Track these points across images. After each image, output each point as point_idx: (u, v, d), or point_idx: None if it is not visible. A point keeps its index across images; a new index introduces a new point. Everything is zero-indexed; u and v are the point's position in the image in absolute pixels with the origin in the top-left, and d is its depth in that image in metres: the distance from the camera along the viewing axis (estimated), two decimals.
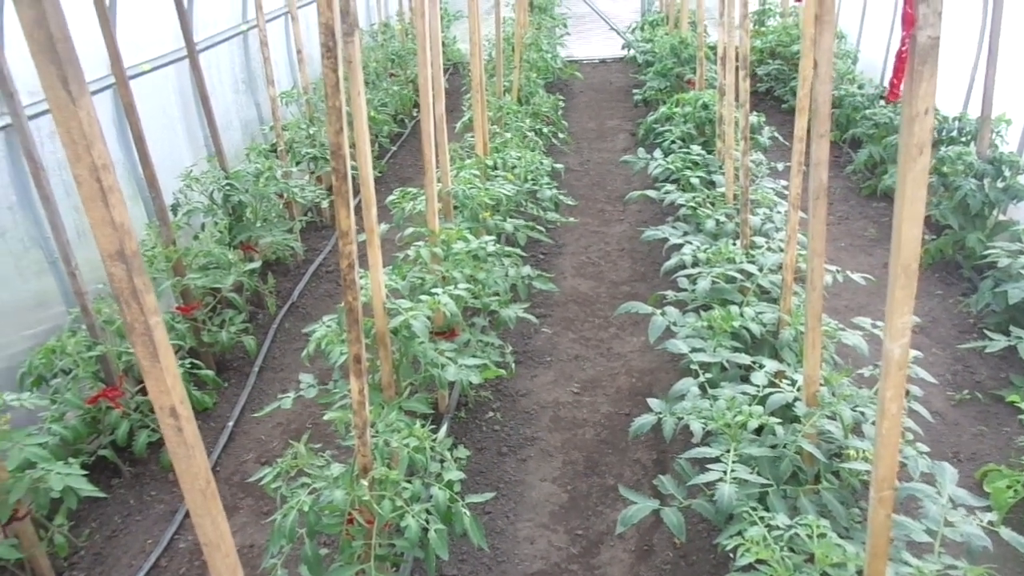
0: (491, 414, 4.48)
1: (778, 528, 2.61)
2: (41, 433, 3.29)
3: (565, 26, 11.72)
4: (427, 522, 2.70)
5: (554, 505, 3.83)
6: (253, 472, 4.02)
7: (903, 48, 1.67)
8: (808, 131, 3.40)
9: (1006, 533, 2.59)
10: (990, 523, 2.64)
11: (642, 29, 11.20)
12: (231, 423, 4.38)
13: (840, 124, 7.67)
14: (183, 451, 1.54)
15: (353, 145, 2.97)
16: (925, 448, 2.95)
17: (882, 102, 7.41)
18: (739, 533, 2.67)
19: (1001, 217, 5.57)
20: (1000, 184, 5.36)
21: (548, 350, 5.13)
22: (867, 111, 7.19)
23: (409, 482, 2.84)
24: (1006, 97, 5.47)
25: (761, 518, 2.66)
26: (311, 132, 6.81)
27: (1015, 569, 3.31)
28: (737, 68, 4.07)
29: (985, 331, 4.55)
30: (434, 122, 4.08)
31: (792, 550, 2.57)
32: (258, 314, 5.56)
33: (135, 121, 4.21)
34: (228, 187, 5.23)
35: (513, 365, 4.40)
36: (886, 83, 8.07)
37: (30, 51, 1.17)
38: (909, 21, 1.60)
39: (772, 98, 9.73)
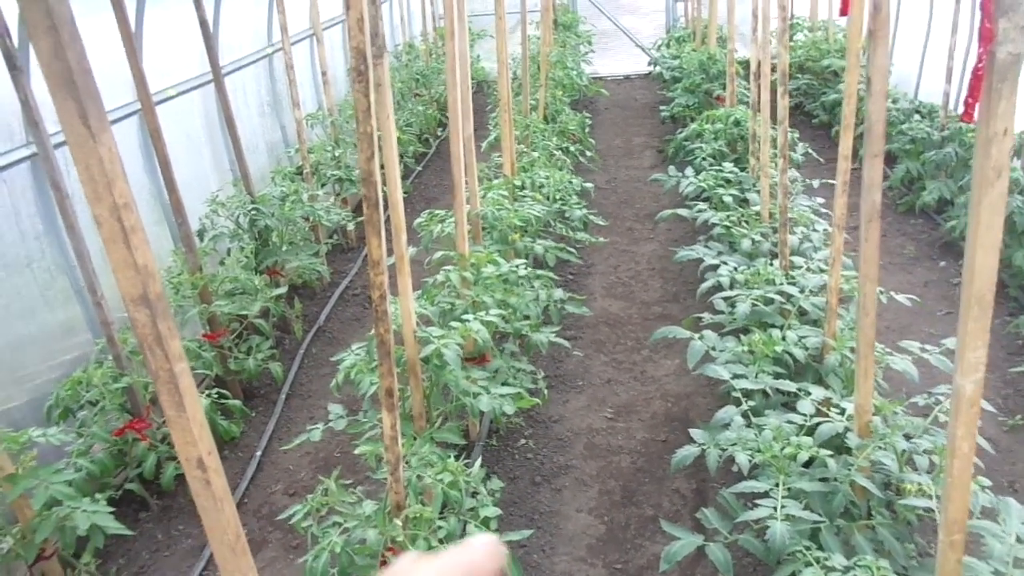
0: (523, 441, 4.36)
1: (835, 570, 2.47)
2: (68, 468, 3.22)
3: (590, 43, 11.65)
4: None
5: (591, 537, 3.69)
6: (281, 503, 3.93)
7: (979, 65, 1.55)
8: (854, 150, 3.29)
9: None
10: None
11: (668, 45, 11.10)
12: (259, 453, 4.30)
13: None
14: (211, 505, 1.44)
15: (382, 166, 2.88)
16: (987, 482, 2.79)
17: (917, 116, 7.23)
18: (793, 574, 2.53)
19: None
20: None
21: (580, 374, 5.00)
22: (902, 126, 7.00)
23: (443, 519, 2.73)
24: None
25: (816, 559, 2.51)
26: (336, 154, 6.76)
27: None
28: (775, 83, 3.95)
29: None
30: (463, 144, 4.00)
31: None
32: (285, 339, 5.49)
33: (161, 147, 4.17)
34: (254, 211, 5.18)
35: (545, 391, 4.28)
36: (920, 97, 7.89)
37: (48, 85, 1.09)
38: (987, 37, 1.48)
39: (802, 113, 9.56)
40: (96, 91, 1.09)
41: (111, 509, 3.08)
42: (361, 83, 1.99)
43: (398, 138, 7.90)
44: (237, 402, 4.36)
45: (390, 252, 3.09)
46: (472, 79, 12.38)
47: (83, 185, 1.17)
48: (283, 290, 5.07)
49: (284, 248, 5.52)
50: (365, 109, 2.07)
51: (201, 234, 4.88)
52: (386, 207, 2.94)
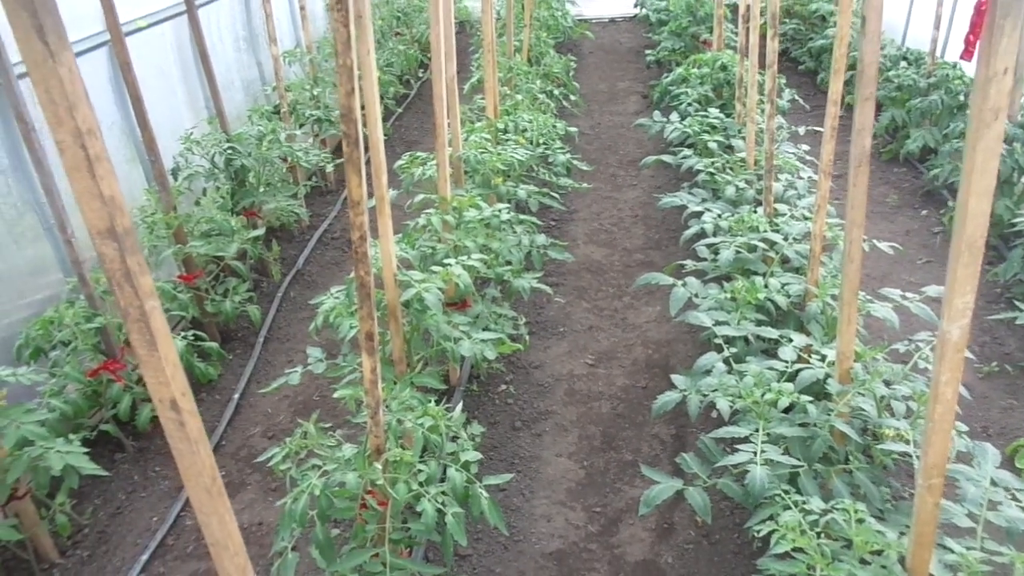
0: (504, 387, 4.35)
1: (813, 512, 2.49)
2: (40, 408, 3.16)
3: None
4: (443, 505, 2.58)
5: (571, 482, 3.71)
6: (260, 446, 3.92)
7: (983, 1, 1.49)
8: (842, 96, 3.23)
9: None
10: None
11: None
12: (237, 395, 4.26)
13: None
14: (186, 447, 1.40)
15: (363, 107, 2.79)
16: (963, 427, 2.82)
17: (904, 63, 7.16)
18: (771, 517, 2.55)
19: None
20: None
21: (561, 320, 4.98)
22: (889, 73, 6.93)
23: (423, 462, 2.72)
24: None
25: (795, 502, 2.53)
26: (315, 93, 6.59)
27: None
28: (764, 27, 3.86)
29: (1014, 301, 4.39)
30: (446, 84, 3.89)
31: (828, 536, 2.45)
32: (262, 282, 5.41)
33: (132, 81, 4.02)
34: (230, 150, 5.04)
35: (527, 337, 4.26)
36: (908, 44, 7.80)
37: None
38: None
39: (788, 59, 9.44)
40: (54, 3, 1.01)
41: (86, 450, 3.04)
42: (340, 11, 1.90)
43: (379, 78, 7.71)
44: (214, 344, 4.30)
45: (370, 194, 3.02)
46: (455, 18, 12.07)
47: (43, 109, 1.10)
48: (261, 232, 4.98)
49: (261, 189, 5.40)
50: (345, 40, 1.97)
51: (175, 173, 4.75)
52: (366, 148, 2.86)
